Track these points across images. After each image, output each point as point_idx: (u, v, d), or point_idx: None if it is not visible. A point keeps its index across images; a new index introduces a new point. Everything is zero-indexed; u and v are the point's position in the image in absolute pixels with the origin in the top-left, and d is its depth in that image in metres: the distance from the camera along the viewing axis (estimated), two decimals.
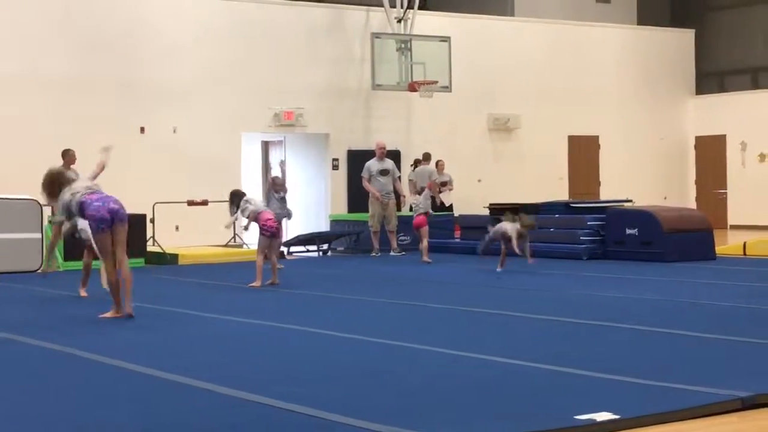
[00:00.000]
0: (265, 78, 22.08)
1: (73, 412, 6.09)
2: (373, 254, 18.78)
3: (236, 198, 13.95)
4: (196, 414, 5.96)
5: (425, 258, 16.83)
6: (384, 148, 19.11)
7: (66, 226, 11.04)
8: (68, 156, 17.73)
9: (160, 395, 6.53)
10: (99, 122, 20.06)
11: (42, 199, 10.14)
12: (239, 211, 13.84)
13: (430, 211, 17.46)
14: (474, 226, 19.49)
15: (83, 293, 12.47)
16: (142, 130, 20.32)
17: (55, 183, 10.34)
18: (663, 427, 5.56)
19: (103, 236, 10.03)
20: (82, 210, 10.09)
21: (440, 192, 22.37)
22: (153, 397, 6.46)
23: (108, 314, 10.25)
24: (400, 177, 19.32)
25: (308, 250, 19.75)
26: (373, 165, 19.25)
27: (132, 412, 6.03)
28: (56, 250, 16.72)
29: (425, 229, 17.03)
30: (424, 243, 17.01)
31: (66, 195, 10.19)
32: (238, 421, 5.77)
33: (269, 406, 6.06)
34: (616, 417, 5.58)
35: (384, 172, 18.90)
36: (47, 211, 17.14)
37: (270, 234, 13.58)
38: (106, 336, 9.24)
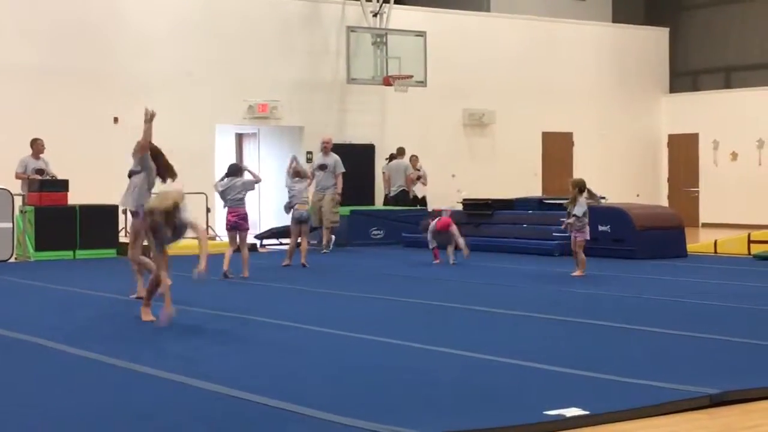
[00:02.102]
0: (240, 70, 22.01)
1: (42, 402, 6.06)
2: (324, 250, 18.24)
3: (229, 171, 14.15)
4: (165, 406, 5.95)
5: (465, 254, 15.59)
6: (329, 143, 18.65)
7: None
8: (36, 145, 17.64)
9: (128, 386, 6.51)
10: (72, 112, 19.96)
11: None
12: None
13: (451, 209, 16.43)
14: None
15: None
16: (116, 120, 20.23)
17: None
18: (632, 423, 5.59)
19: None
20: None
21: (415, 184, 22.45)
22: (119, 388, 6.44)
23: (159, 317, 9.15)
24: (344, 173, 18.59)
25: (281, 243, 19.71)
26: (317, 159, 18.94)
27: (99, 403, 6.01)
28: (27, 239, 16.66)
29: (453, 229, 15.75)
30: (460, 242, 15.64)
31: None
32: (207, 414, 5.76)
33: (240, 399, 6.06)
34: (586, 413, 5.61)
35: (322, 167, 18.42)
36: (18, 201, 17.06)
37: (229, 227, 13.66)
38: (78, 326, 9.20)
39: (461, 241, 15.67)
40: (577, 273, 13.56)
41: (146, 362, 7.19)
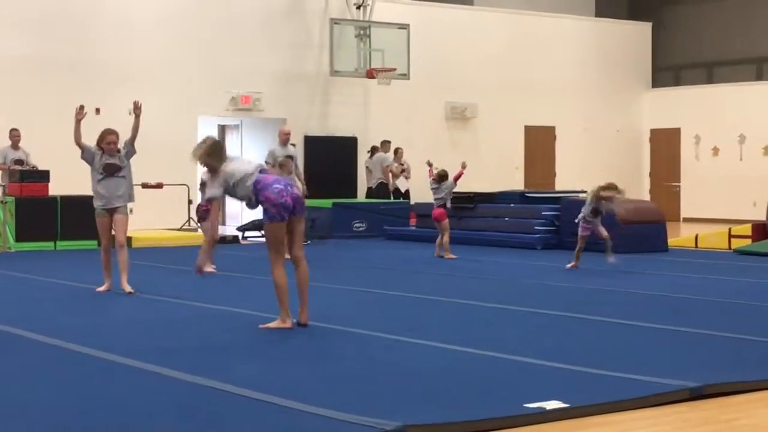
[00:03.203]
0: (223, 61, 21.96)
1: (18, 394, 6.04)
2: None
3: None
4: (143, 396, 5.94)
5: (448, 255, 15.36)
6: (288, 134, 18.57)
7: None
8: (13, 135, 17.57)
9: (108, 378, 6.49)
10: (54, 103, 19.86)
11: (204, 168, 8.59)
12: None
13: (448, 204, 15.88)
14: (430, 214, 19.51)
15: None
16: (98, 111, 20.13)
17: (222, 152, 8.57)
18: (612, 416, 5.61)
19: (278, 227, 8.26)
20: (256, 190, 8.25)
21: (397, 178, 22.45)
22: (101, 380, 6.43)
23: (272, 324, 8.42)
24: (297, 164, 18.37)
25: (263, 235, 19.67)
26: (277, 151, 18.81)
27: (78, 394, 6.00)
28: (7, 229, 16.60)
29: (445, 223, 15.57)
30: (445, 238, 15.52)
31: (232, 167, 8.40)
32: (187, 402, 5.76)
33: (220, 390, 6.05)
34: (566, 405, 5.62)
35: (290, 158, 18.37)
36: None
37: (199, 218, 13.71)
38: (53, 318, 9.18)
39: (447, 238, 15.60)
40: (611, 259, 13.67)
41: (121, 353, 7.17)
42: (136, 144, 11.11)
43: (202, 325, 8.79)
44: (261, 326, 8.36)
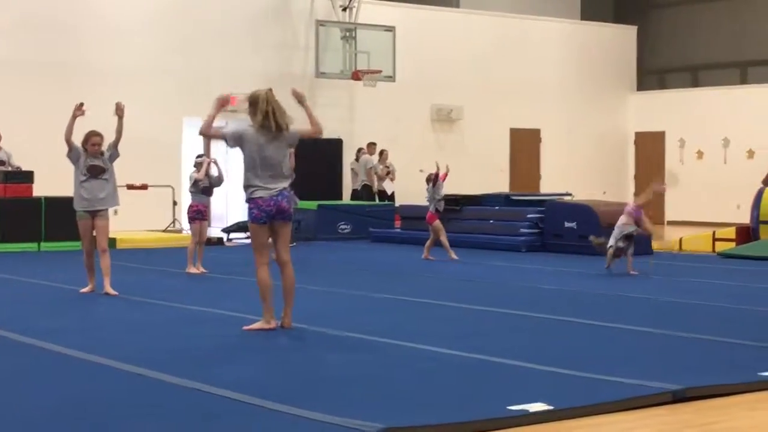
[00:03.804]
0: (208, 63, 21.93)
1: (0, 395, 6.03)
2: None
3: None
4: (128, 398, 5.93)
5: (451, 255, 15.29)
6: None
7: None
8: None
9: (92, 380, 6.48)
10: (38, 104, 19.83)
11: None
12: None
13: (439, 209, 15.51)
14: (415, 216, 19.54)
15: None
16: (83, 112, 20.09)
17: (256, 106, 8.46)
18: (595, 418, 5.62)
19: (259, 228, 8.37)
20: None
21: (382, 180, 22.46)
22: (85, 382, 6.42)
23: (256, 325, 8.38)
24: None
25: (249, 237, 19.66)
26: None
27: (61, 396, 5.98)
28: None
29: (436, 224, 15.42)
30: (443, 240, 15.38)
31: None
32: (171, 405, 5.75)
33: (204, 392, 6.05)
34: (549, 408, 5.63)
35: None
36: None
37: (189, 219, 13.65)
38: (37, 320, 9.15)
39: (445, 239, 15.47)
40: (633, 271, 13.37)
41: (103, 353, 7.16)
42: (119, 147, 11.07)
43: (187, 327, 8.78)
44: (244, 328, 8.37)
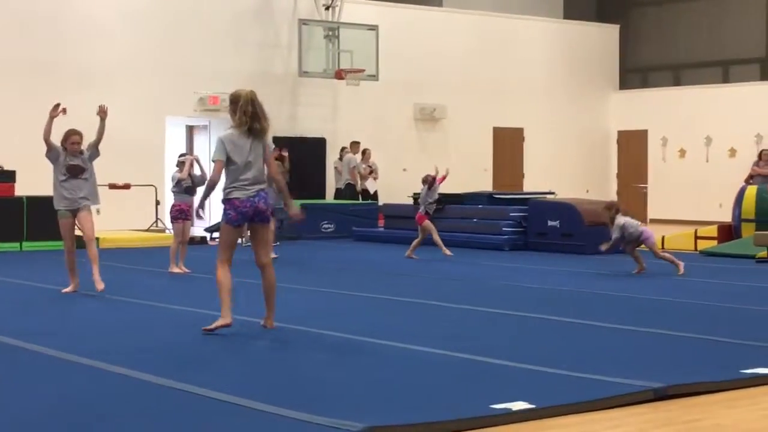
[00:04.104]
0: (191, 62, 21.89)
1: None
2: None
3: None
4: (109, 398, 5.92)
5: (445, 251, 15.28)
6: None
7: None
8: None
9: (73, 379, 6.46)
10: (20, 103, 19.75)
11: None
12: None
13: (429, 211, 15.53)
14: (398, 215, 19.57)
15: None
16: (65, 111, 20.01)
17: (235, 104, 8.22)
18: (577, 416, 5.64)
19: (230, 230, 8.23)
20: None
21: (365, 180, 22.47)
22: (66, 381, 6.40)
23: (214, 324, 8.18)
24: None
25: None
26: None
27: (43, 395, 5.97)
28: None
29: (426, 224, 15.43)
30: (435, 238, 15.39)
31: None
32: (153, 405, 5.74)
33: (187, 392, 6.04)
34: (532, 406, 5.64)
35: None
36: None
37: (171, 218, 13.61)
38: (19, 319, 9.12)
39: (415, 242, 15.55)
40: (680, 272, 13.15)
41: (88, 354, 7.14)
42: (102, 146, 11.04)
43: (169, 326, 8.77)
44: (204, 329, 8.15)
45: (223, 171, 8.10)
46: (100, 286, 10.61)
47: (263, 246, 8.38)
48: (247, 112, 8.17)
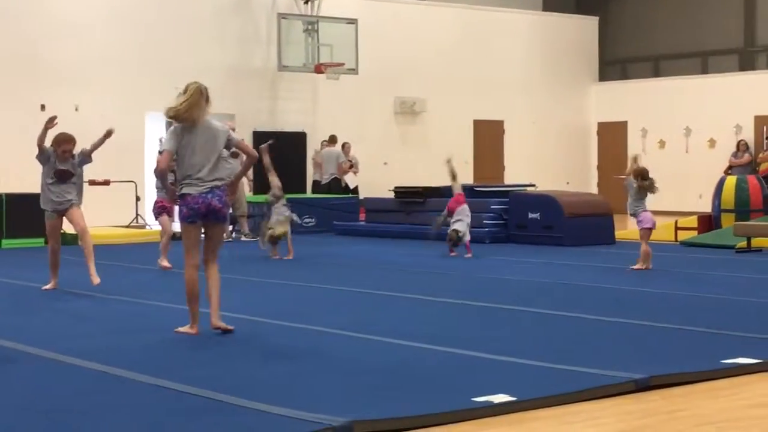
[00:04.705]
0: (170, 57, 21.81)
1: None
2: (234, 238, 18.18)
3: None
4: (91, 396, 5.90)
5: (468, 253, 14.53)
6: (232, 129, 18.31)
7: None
8: None
9: (54, 377, 6.44)
10: None
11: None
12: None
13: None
14: (379, 209, 19.56)
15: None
16: (43, 107, 19.94)
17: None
18: (559, 408, 5.64)
19: (189, 228, 7.95)
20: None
21: (345, 174, 22.43)
22: (47, 379, 6.37)
23: (182, 329, 8.05)
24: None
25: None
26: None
27: (23, 394, 5.94)
28: None
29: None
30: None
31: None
32: (135, 402, 5.72)
33: (168, 389, 6.02)
34: (513, 399, 5.65)
35: (234, 155, 18.30)
36: None
37: (155, 214, 13.58)
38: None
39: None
40: (636, 266, 12.74)
41: (68, 352, 7.11)
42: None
43: (150, 323, 8.74)
44: (176, 330, 8.01)
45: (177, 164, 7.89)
46: (96, 280, 10.58)
47: (213, 246, 8.03)
48: (181, 102, 8.02)
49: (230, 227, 18.99)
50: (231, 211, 15.71)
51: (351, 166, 22.60)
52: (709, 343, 7.52)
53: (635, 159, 13.59)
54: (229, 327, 7.95)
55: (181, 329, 8.02)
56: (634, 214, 13.15)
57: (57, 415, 5.50)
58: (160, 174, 8.11)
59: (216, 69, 22.23)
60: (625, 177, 13.26)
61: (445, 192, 18.96)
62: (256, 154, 8.31)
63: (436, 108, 25.38)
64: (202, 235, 8.07)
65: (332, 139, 22.72)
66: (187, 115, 7.90)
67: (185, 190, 7.86)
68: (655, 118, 27.04)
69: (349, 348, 7.43)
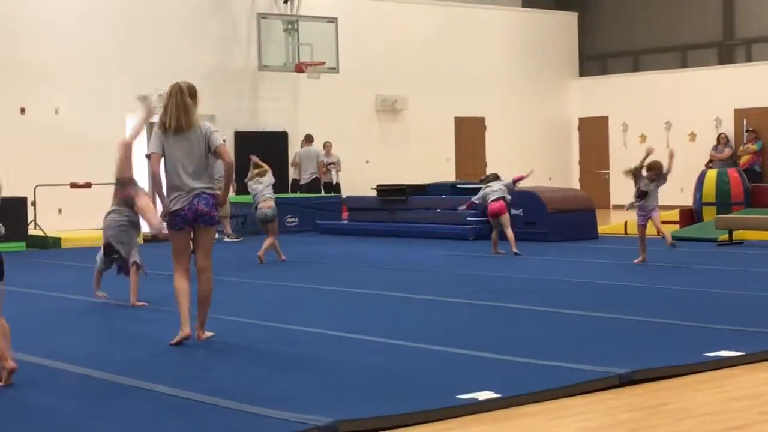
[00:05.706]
0: (150, 58, 21.73)
1: None
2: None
3: None
4: (69, 400, 5.88)
5: (514, 249, 14.19)
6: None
7: None
8: None
9: (32, 381, 6.40)
10: None
11: None
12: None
13: (508, 196, 14.64)
14: (361, 207, 19.56)
15: None
16: (23, 110, 19.84)
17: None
18: (543, 404, 5.66)
19: (176, 235, 7.72)
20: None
21: (327, 172, 22.39)
22: (24, 384, 6.34)
23: (177, 338, 7.61)
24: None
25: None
26: None
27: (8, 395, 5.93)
28: None
29: (505, 217, 14.54)
30: (509, 233, 14.40)
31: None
32: (114, 405, 5.71)
33: (149, 390, 6.01)
34: (497, 396, 5.66)
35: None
36: None
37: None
38: None
39: (511, 233, 14.49)
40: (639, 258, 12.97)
41: (47, 355, 7.09)
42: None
43: (130, 325, 8.71)
44: (170, 343, 7.59)
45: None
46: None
47: (204, 250, 7.73)
48: (165, 107, 7.81)
49: None
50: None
51: (332, 164, 22.49)
52: (691, 337, 7.55)
53: (650, 152, 13.60)
54: (210, 334, 7.78)
55: (174, 340, 7.61)
56: (651, 209, 13.33)
57: (33, 419, 5.47)
58: (153, 177, 7.84)
59: (196, 70, 22.13)
60: (636, 171, 13.30)
61: (427, 189, 18.99)
62: (233, 160, 8.00)
63: (418, 106, 25.38)
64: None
65: (308, 139, 22.64)
66: (177, 125, 7.72)
67: (174, 208, 7.57)
68: (636, 113, 27.10)
69: (333, 347, 7.43)
